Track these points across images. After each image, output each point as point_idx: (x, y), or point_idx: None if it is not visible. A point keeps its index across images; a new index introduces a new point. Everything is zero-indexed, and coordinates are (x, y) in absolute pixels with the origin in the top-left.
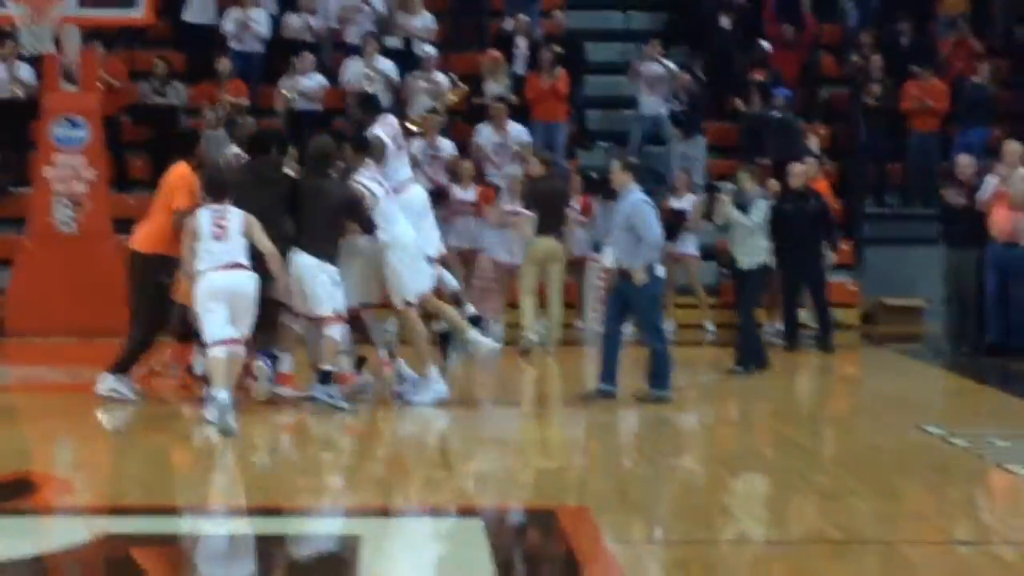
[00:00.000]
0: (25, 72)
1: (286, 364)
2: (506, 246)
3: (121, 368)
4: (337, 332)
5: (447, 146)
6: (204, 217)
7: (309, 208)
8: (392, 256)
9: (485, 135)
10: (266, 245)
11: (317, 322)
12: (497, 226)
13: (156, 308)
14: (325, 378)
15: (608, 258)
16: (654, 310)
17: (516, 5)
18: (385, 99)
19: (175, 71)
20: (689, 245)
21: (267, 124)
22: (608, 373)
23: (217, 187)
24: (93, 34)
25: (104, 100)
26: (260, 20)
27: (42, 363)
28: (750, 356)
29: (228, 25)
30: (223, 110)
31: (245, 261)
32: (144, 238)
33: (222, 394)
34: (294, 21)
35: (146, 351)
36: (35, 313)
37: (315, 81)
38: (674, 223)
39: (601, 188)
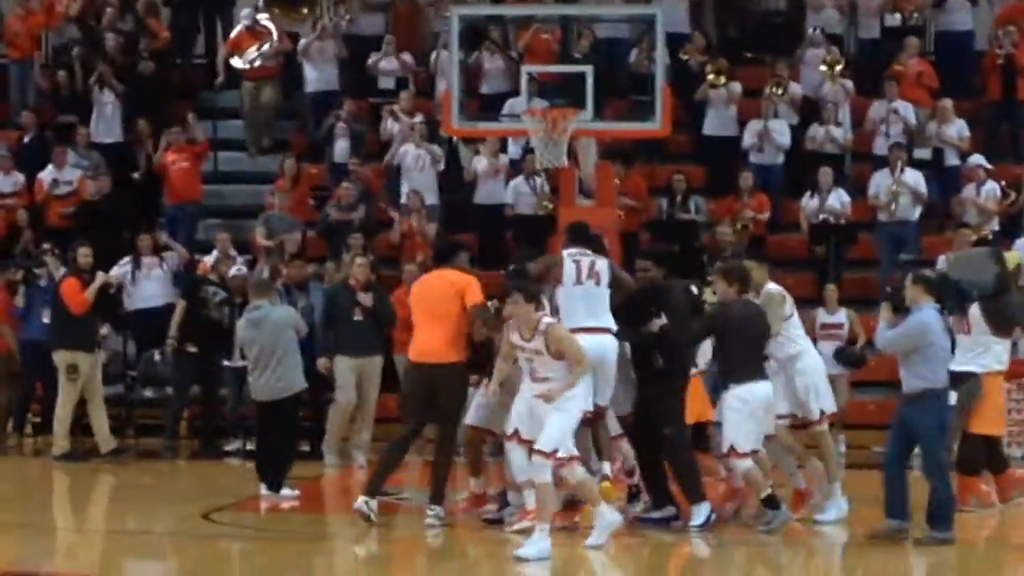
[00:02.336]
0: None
1: None
2: None
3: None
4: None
5: None
6: None
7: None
8: None
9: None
10: None
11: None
12: None
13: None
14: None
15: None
16: (937, 440)
17: None
18: (912, 213)
19: (694, 186)
20: None
21: None
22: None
23: None
24: (612, 151)
25: (625, 216)
26: (781, 131)
27: None
28: None
29: (748, 138)
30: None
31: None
32: None
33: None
34: (817, 132)
35: None
36: None
37: (836, 198)
38: None
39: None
